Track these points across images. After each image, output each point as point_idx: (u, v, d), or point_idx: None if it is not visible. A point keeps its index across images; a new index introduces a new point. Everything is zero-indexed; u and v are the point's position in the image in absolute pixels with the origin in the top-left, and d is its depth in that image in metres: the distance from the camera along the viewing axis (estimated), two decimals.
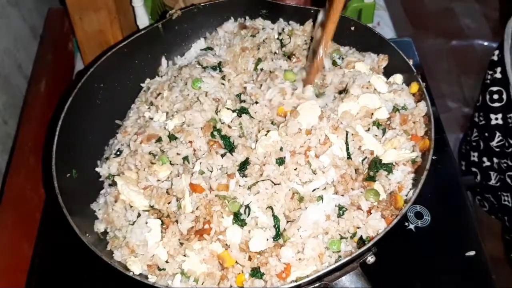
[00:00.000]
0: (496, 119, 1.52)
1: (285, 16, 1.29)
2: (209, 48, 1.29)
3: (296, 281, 0.89)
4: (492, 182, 1.66)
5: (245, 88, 1.16)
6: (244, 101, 1.15)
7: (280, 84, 1.10)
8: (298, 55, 1.21)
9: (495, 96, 1.49)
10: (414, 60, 1.13)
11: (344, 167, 1.00)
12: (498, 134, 1.54)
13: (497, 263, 1.53)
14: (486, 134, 1.59)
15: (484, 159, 1.66)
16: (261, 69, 1.19)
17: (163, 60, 1.30)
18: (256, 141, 1.05)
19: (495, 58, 1.53)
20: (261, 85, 1.13)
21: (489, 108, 1.54)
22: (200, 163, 1.03)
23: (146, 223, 0.99)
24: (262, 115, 1.09)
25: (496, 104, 1.50)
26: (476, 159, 1.71)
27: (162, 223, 0.99)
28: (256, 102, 1.11)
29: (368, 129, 1.05)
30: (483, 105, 1.59)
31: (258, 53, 1.22)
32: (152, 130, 1.11)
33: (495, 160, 1.61)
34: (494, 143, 1.56)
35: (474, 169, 1.73)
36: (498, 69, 1.48)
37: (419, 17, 3.13)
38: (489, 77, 1.55)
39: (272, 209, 0.96)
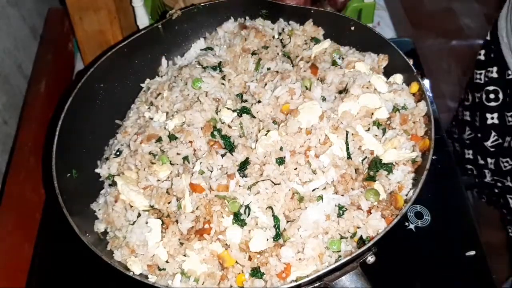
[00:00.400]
0: (492, 118, 1.52)
1: (285, 16, 1.29)
2: (209, 48, 1.29)
3: (296, 281, 0.89)
4: (488, 179, 1.67)
5: (247, 87, 1.16)
6: (246, 100, 1.15)
7: (290, 84, 1.10)
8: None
9: (491, 96, 1.50)
10: (414, 60, 1.13)
11: (344, 167, 1.00)
12: (493, 133, 1.54)
13: (495, 252, 1.53)
14: (479, 135, 1.60)
15: (478, 157, 1.67)
16: (268, 69, 1.19)
17: (163, 60, 1.30)
18: (256, 141, 1.05)
19: (482, 57, 1.54)
20: (265, 84, 1.13)
21: (484, 108, 1.54)
22: (200, 163, 1.03)
23: (146, 223, 0.99)
24: (264, 114, 1.09)
25: (493, 104, 1.51)
26: (471, 156, 1.71)
27: (162, 223, 0.99)
28: (259, 101, 1.11)
29: (368, 129, 1.05)
30: (476, 104, 1.59)
31: (261, 54, 1.22)
32: (152, 130, 1.11)
33: (489, 160, 1.62)
34: (489, 143, 1.57)
35: (470, 166, 1.73)
36: (494, 69, 1.49)
37: (419, 17, 3.13)
38: (479, 76, 1.56)
39: (272, 209, 0.96)
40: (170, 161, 1.06)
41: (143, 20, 1.44)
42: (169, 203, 1.01)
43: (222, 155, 1.04)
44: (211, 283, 0.94)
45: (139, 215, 1.03)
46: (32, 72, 1.50)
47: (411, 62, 1.11)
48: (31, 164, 1.29)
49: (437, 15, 3.19)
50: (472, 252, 1.11)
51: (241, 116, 1.11)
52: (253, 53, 1.23)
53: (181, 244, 0.97)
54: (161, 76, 1.29)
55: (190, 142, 1.07)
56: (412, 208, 1.17)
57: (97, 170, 1.12)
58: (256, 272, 0.93)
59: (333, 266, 0.86)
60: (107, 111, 1.20)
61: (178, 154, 1.07)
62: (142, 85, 1.27)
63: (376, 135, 1.04)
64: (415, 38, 1.52)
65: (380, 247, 0.91)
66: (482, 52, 1.55)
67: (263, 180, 0.98)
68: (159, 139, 1.10)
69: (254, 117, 1.11)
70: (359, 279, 0.89)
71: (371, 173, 1.01)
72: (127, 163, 1.08)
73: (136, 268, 0.96)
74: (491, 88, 1.50)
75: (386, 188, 0.99)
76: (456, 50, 3.01)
